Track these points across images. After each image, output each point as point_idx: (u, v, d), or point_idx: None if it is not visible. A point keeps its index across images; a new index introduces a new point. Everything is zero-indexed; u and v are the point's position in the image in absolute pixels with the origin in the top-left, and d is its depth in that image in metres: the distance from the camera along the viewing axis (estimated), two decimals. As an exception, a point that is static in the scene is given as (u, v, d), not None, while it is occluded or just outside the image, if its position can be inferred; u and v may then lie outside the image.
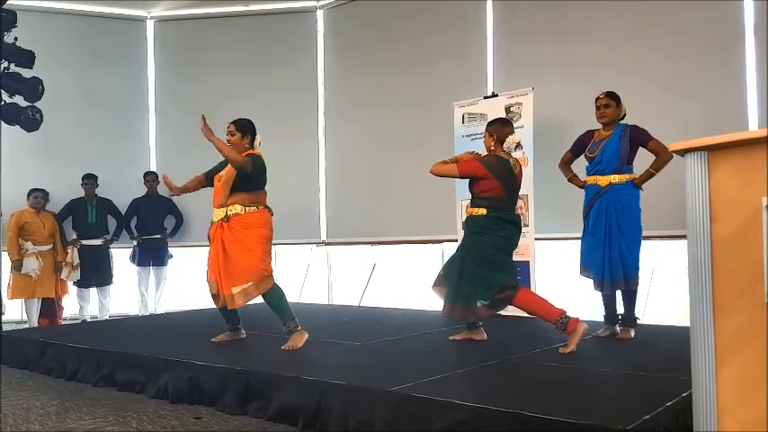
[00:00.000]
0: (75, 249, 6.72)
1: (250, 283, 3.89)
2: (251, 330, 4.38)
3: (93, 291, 6.90)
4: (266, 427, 2.98)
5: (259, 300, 4.01)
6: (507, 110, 5.57)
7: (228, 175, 4.04)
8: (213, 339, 4.25)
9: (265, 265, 3.98)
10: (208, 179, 4.29)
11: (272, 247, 4.15)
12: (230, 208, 4.00)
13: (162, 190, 7.28)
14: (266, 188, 4.17)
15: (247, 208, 4.01)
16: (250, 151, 4.09)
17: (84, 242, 6.81)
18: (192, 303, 6.80)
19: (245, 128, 4.12)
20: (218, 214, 4.05)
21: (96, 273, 6.81)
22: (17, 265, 6.29)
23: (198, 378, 3.40)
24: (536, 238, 5.48)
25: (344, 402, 2.80)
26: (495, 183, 3.80)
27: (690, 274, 1.78)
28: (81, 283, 6.77)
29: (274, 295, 3.98)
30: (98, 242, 6.88)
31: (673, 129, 4.67)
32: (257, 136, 4.19)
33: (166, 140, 7.79)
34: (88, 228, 6.89)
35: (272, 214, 4.16)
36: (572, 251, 4.60)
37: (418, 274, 6.47)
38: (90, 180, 6.96)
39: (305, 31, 7.66)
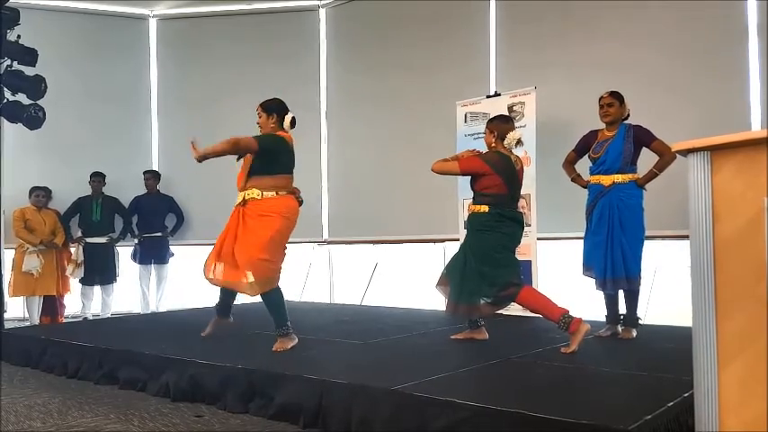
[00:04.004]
0: (80, 247, 6.74)
1: (252, 278, 3.65)
2: (251, 330, 4.37)
3: (96, 288, 6.91)
4: (267, 425, 2.98)
5: (258, 299, 3.91)
6: (510, 109, 5.56)
7: (247, 156, 3.87)
8: (202, 333, 4.21)
9: (268, 260, 3.72)
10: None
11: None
12: (248, 192, 3.79)
13: (163, 188, 7.30)
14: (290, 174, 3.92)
15: (265, 192, 3.77)
16: (279, 133, 3.92)
17: (89, 240, 6.81)
18: (193, 301, 6.81)
19: (269, 108, 3.96)
20: (238, 198, 3.84)
21: (100, 271, 6.82)
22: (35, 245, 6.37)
23: (199, 376, 3.40)
24: (538, 238, 5.48)
25: (346, 401, 2.80)
26: (497, 179, 3.79)
27: (692, 274, 1.77)
28: (85, 281, 6.79)
29: (274, 298, 3.82)
30: (103, 240, 6.88)
31: (676, 129, 4.66)
32: (288, 116, 3.99)
33: (169, 138, 7.77)
34: (93, 225, 6.89)
35: (301, 203, 3.92)
36: (574, 251, 4.59)
37: (420, 273, 6.47)
38: (97, 178, 6.97)
39: (307, 30, 7.66)
